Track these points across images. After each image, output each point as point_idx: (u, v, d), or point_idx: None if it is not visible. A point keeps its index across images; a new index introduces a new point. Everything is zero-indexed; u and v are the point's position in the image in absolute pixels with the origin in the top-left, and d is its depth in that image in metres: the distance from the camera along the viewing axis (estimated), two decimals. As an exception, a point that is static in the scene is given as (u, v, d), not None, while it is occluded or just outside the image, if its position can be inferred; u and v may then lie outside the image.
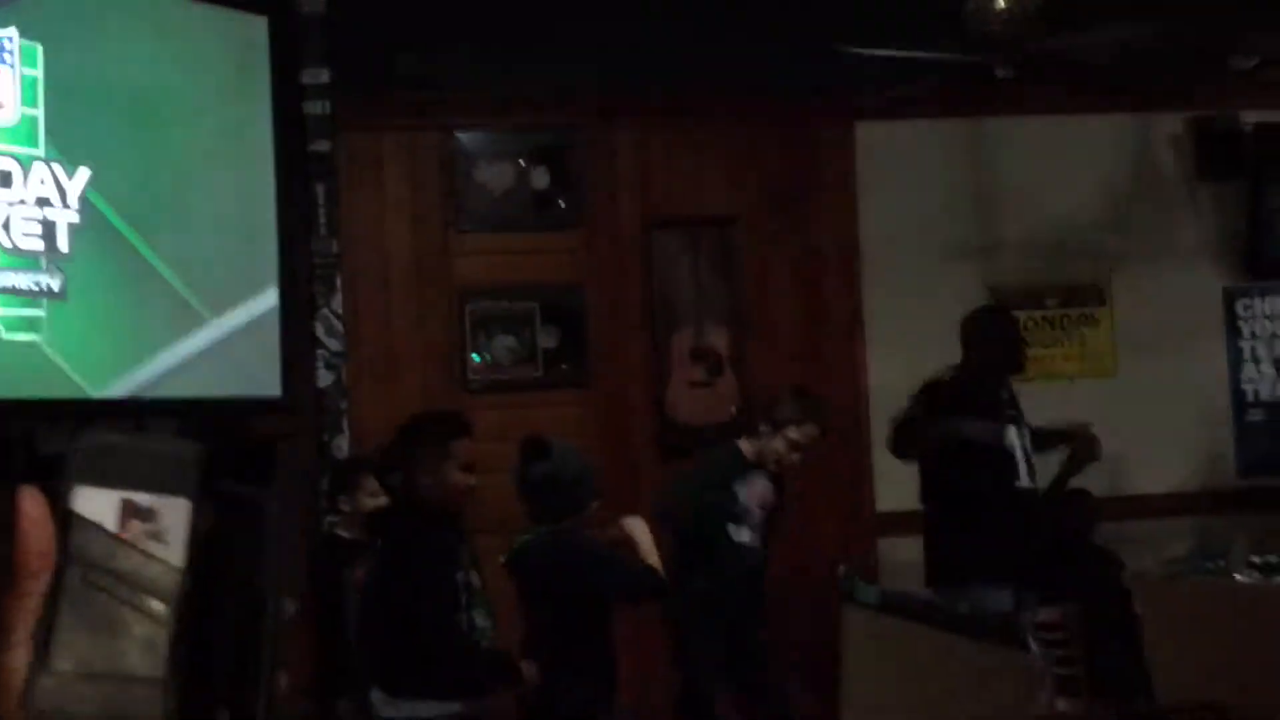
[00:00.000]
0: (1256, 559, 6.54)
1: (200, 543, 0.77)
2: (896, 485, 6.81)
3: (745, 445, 5.69)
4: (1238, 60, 6.70)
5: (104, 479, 0.76)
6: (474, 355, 6.67)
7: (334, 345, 5.91)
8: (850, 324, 6.93)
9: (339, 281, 5.91)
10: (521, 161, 6.79)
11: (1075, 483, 6.22)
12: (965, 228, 7.03)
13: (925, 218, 6.96)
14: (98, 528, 0.75)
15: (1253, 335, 7.23)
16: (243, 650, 0.79)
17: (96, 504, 0.75)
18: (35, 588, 0.74)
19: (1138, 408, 7.00)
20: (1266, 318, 7.23)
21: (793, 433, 5.60)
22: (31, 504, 0.75)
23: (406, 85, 6.51)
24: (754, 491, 5.61)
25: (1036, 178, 7.02)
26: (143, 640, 0.75)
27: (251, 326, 4.92)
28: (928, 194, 6.96)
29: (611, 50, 6.67)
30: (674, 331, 6.84)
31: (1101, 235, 7.12)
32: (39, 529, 0.74)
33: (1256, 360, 7.21)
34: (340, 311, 5.94)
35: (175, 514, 0.76)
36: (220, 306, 4.80)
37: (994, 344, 5.98)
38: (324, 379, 5.83)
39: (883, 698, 1.86)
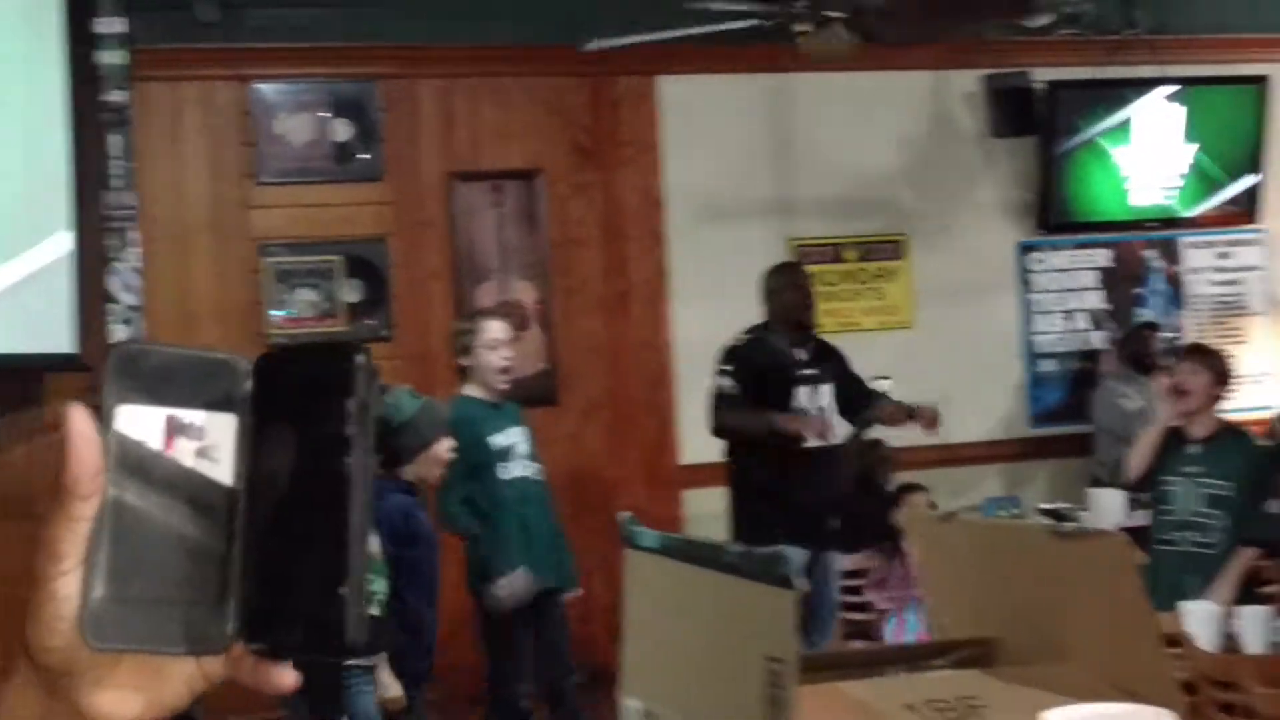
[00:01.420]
0: (1046, 505, 6.76)
1: (254, 458, 0.73)
2: (700, 438, 6.89)
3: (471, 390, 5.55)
4: (1031, 20, 6.85)
5: (148, 396, 0.71)
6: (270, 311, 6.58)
7: (129, 300, 5.78)
8: (655, 278, 6.97)
9: (135, 235, 5.79)
10: (322, 113, 6.70)
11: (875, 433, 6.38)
12: (767, 183, 7.12)
13: (728, 172, 7.03)
14: (142, 446, 0.71)
15: (1044, 287, 7.43)
16: (325, 571, 0.72)
17: (141, 423, 0.71)
18: (86, 511, 0.70)
19: (935, 359, 7.17)
20: (1057, 271, 7.43)
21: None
22: (81, 421, 0.69)
23: (205, 35, 6.38)
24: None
25: (836, 134, 7.13)
26: (192, 562, 0.72)
27: (39, 276, 4.79)
28: (730, 149, 7.03)
29: (415, 2, 6.62)
30: (479, 285, 6.82)
31: (900, 190, 7.26)
32: (90, 448, 0.69)
33: (1047, 312, 7.42)
34: (137, 265, 5.81)
35: (223, 430, 0.73)
36: (2, 256, 4.66)
37: (778, 301, 6.08)
38: (118, 334, 5.70)
39: (660, 637, 1.88)
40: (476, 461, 5.35)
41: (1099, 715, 1.54)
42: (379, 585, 4.31)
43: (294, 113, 6.68)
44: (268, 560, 0.73)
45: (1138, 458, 5.71)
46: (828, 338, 6.60)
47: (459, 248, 6.78)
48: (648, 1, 6.50)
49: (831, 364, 6.09)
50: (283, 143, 6.66)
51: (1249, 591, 5.60)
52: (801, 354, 6.04)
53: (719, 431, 5.99)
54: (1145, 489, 5.80)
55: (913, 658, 2.06)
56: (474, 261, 6.82)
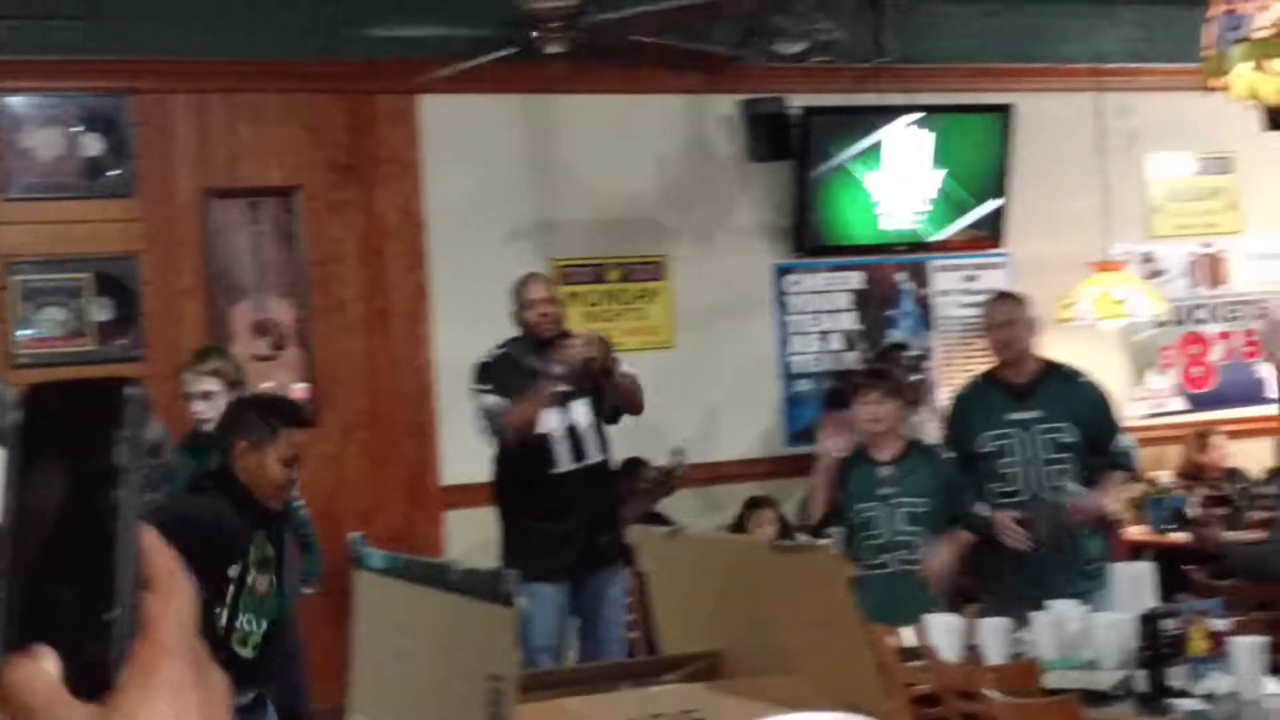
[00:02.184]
0: (796, 521, 6.89)
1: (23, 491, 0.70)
2: (462, 459, 6.88)
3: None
4: (784, 46, 7.02)
5: None
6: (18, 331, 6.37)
7: None
8: (416, 297, 6.94)
9: None
10: (72, 127, 6.52)
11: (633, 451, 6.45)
12: (529, 203, 7.14)
13: (489, 192, 7.03)
14: None
15: (800, 309, 7.59)
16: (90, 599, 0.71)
17: None
18: None
19: (696, 378, 7.27)
20: (812, 293, 7.60)
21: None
22: None
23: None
24: None
25: (597, 155, 7.19)
26: None
27: None
28: (492, 169, 7.03)
29: (169, 14, 6.49)
30: (234, 304, 6.71)
31: (660, 212, 7.35)
32: None
33: (802, 333, 7.58)
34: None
35: None
36: None
37: (520, 315, 6.11)
38: None
39: (387, 656, 1.88)
40: None
41: (805, 724, 1.58)
42: (248, 625, 4.22)
43: (42, 126, 6.50)
44: (33, 594, 0.71)
45: (819, 495, 5.85)
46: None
47: (214, 266, 6.66)
48: (406, 18, 6.50)
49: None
50: (30, 157, 6.47)
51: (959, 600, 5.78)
52: (556, 369, 6.03)
53: (503, 435, 5.98)
54: (834, 522, 5.94)
55: (641, 673, 2.09)
56: (229, 280, 6.70)
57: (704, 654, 2.08)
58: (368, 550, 1.97)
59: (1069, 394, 5.96)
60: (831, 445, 5.79)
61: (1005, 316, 5.99)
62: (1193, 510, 7.20)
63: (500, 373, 5.95)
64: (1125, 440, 6.06)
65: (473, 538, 6.58)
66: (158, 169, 6.58)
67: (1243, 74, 2.52)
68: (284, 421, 4.30)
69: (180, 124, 6.62)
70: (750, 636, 2.04)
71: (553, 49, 4.79)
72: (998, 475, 5.88)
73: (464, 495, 6.82)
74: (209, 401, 5.68)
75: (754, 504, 6.94)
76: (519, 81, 6.80)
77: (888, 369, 6.63)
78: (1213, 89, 2.74)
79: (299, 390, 6.73)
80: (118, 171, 6.55)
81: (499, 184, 7.06)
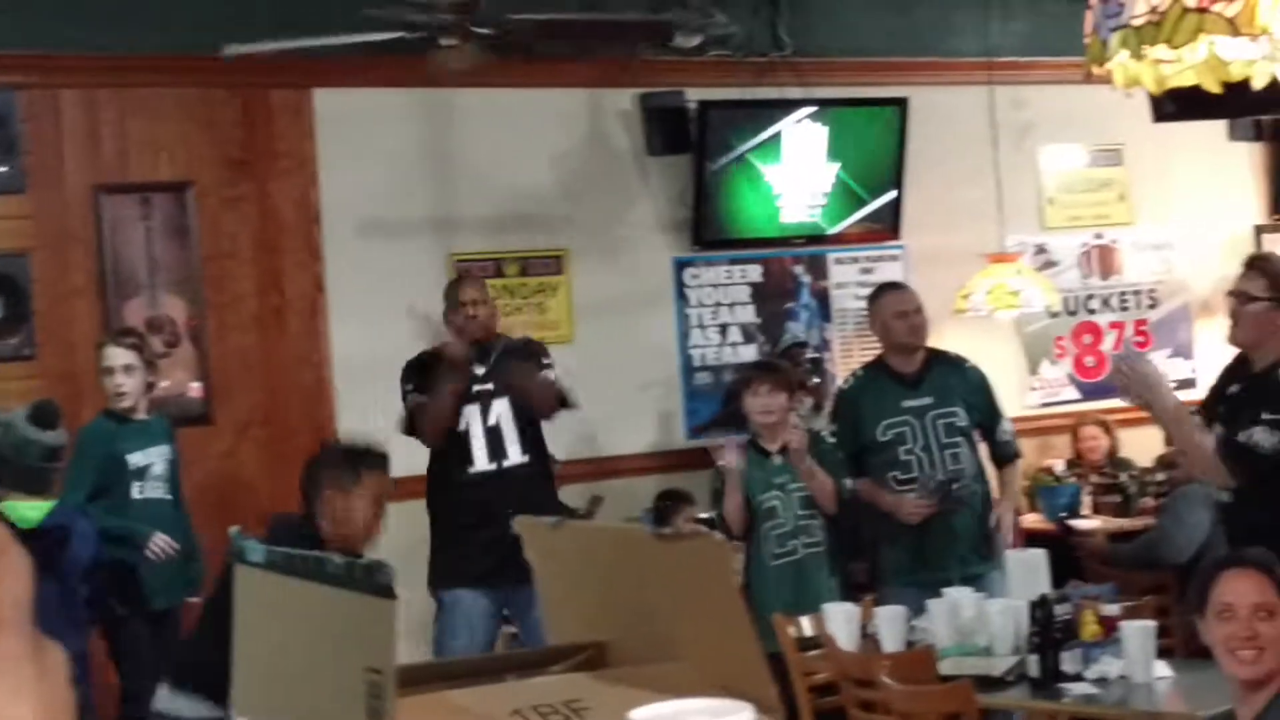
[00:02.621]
0: (703, 515, 6.90)
1: None
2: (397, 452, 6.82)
3: None
4: (681, 40, 7.02)
5: None
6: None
7: None
8: (312, 293, 6.88)
9: None
10: (-43, 123, 6.40)
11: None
12: (426, 197, 7.10)
13: (387, 187, 6.99)
14: None
15: (700, 302, 7.61)
16: None
17: None
18: None
19: (596, 373, 7.26)
20: (711, 286, 7.62)
21: None
22: None
23: None
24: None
25: (495, 150, 7.16)
26: None
27: None
28: (389, 163, 6.99)
29: (58, 8, 6.39)
30: (127, 301, 6.62)
31: (559, 206, 7.34)
32: None
33: (703, 326, 7.60)
34: None
35: None
36: None
37: (448, 317, 6.10)
38: None
39: (268, 651, 1.86)
40: (106, 480, 5.34)
41: (681, 711, 1.59)
42: None
43: (-75, 122, 6.37)
44: None
45: (737, 513, 5.90)
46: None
47: (106, 262, 6.56)
48: (298, 11, 6.44)
49: (508, 371, 6.06)
50: (-87, 153, 6.34)
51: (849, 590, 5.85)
52: (479, 368, 6.01)
53: (421, 435, 5.99)
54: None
55: (527, 665, 2.09)
56: (121, 276, 6.61)
57: (590, 644, 2.08)
58: (246, 544, 1.95)
59: (957, 379, 6.10)
60: (733, 459, 5.85)
61: (915, 304, 6.11)
62: (1076, 521, 7.31)
63: (425, 373, 5.94)
64: (1007, 424, 6.22)
65: (408, 530, 6.53)
66: (48, 165, 6.48)
67: (1123, 62, 2.55)
68: (368, 465, 4.31)
69: (70, 119, 6.52)
70: (636, 626, 2.04)
71: (448, 43, 4.76)
72: (898, 463, 5.96)
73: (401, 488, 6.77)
74: (129, 375, 5.71)
75: (669, 497, 6.94)
76: (415, 75, 6.75)
77: (777, 362, 6.71)
78: (1095, 78, 2.77)
79: (193, 388, 6.66)
80: (6, 168, 6.43)
81: (396, 178, 7.02)
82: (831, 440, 5.99)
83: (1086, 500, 7.61)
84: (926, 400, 6.00)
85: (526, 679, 1.97)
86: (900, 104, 7.70)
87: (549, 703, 1.81)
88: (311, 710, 1.78)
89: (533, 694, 1.84)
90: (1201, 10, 2.23)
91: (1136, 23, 2.34)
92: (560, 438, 6.60)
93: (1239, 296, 4.77)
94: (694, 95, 7.39)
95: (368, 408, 6.79)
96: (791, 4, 7.48)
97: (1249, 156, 8.75)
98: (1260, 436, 4.61)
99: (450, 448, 5.95)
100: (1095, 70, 2.63)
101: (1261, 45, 2.35)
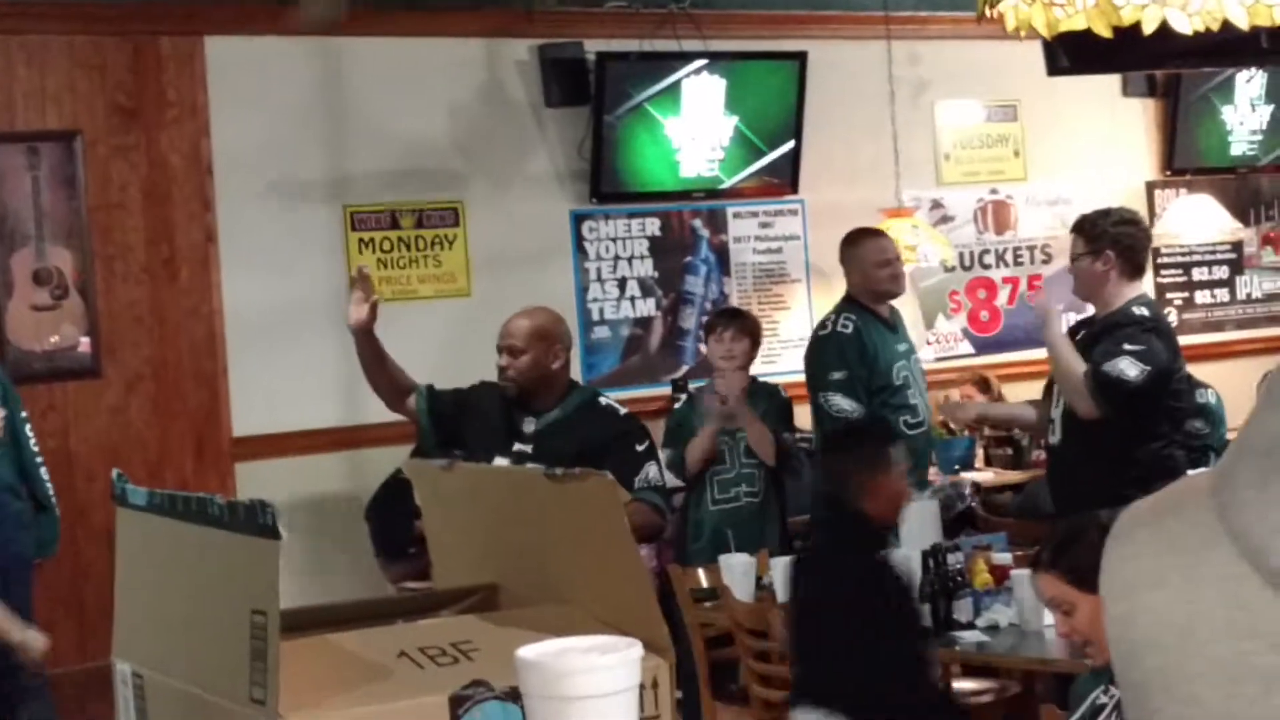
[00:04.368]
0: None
1: None
2: (253, 410, 6.76)
3: None
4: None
5: None
6: None
7: None
8: (204, 244, 6.77)
9: None
10: None
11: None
12: (320, 148, 7.00)
13: (280, 137, 6.88)
14: None
15: (598, 256, 7.58)
16: None
17: None
18: None
19: (493, 327, 7.15)
20: (610, 239, 7.59)
21: None
22: None
23: None
24: None
25: (390, 101, 7.07)
26: None
27: None
28: (282, 113, 6.88)
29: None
30: (14, 252, 6.48)
31: (456, 158, 7.26)
32: None
33: (601, 280, 7.58)
34: None
35: None
36: None
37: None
38: None
39: (150, 597, 1.82)
40: None
41: (571, 648, 1.57)
42: None
43: None
44: None
45: (701, 449, 6.01)
46: (387, 306, 6.57)
47: (-10, 212, 6.42)
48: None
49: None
50: None
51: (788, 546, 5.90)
52: (528, 423, 5.08)
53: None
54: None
55: (415, 609, 2.06)
56: (8, 228, 6.47)
57: (480, 587, 2.06)
58: (128, 487, 1.91)
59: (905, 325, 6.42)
60: (716, 401, 5.98)
61: (895, 251, 6.32)
62: (969, 473, 7.39)
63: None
64: None
65: (265, 490, 6.47)
66: (-72, 112, 6.33)
67: (1015, 4, 2.56)
68: (886, 441, 4.56)
69: (-47, 65, 6.36)
70: (527, 568, 2.02)
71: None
72: (908, 406, 6.11)
73: (256, 446, 6.71)
74: None
75: None
76: (309, 24, 6.66)
77: (741, 309, 6.78)
78: (988, 23, 2.77)
79: (82, 342, 6.54)
80: (-115, 115, 6.28)
81: (289, 128, 6.91)
82: (836, 382, 5.96)
83: (979, 454, 7.69)
84: (907, 345, 6.24)
85: (415, 622, 1.94)
86: (799, 58, 7.69)
87: (437, 645, 1.78)
88: (195, 653, 1.74)
89: (420, 636, 1.81)
90: (1093, -49, 2.23)
91: (1029, -36, 2.33)
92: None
93: (1073, 259, 5.25)
94: (592, 47, 7.34)
95: (259, 361, 6.72)
96: (690, -44, 7.45)
97: (1142, 113, 8.85)
98: (1125, 366, 4.91)
99: None
100: (988, 13, 2.63)
101: (1152, -12, 2.36)
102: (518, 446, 4.87)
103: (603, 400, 5.12)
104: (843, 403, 5.94)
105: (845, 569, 4.28)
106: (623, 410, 5.08)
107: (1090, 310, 5.43)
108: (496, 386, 5.06)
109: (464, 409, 5.13)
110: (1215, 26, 2.47)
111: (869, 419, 5.03)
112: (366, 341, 5.17)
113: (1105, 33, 2.53)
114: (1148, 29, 2.56)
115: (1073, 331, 5.42)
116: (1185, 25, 2.56)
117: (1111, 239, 5.18)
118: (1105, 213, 5.37)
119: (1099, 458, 4.99)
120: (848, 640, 4.11)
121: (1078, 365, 5.07)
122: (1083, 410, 5.04)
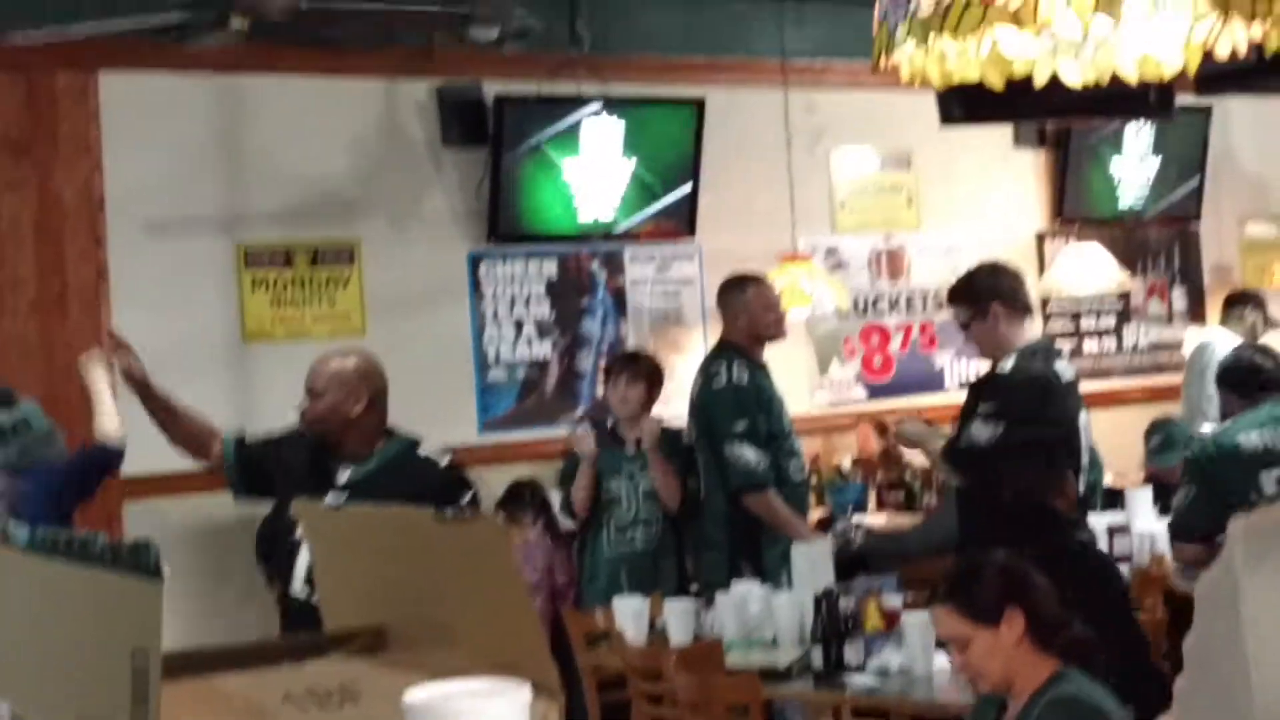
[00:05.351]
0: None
1: None
2: (141, 449, 6.64)
3: None
4: (479, 33, 6.98)
5: None
6: None
7: None
8: (95, 280, 6.68)
9: None
10: None
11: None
12: (215, 186, 6.94)
13: (174, 174, 6.82)
14: None
15: (495, 297, 7.57)
16: None
17: None
18: None
19: (388, 367, 7.14)
20: (506, 281, 7.59)
21: None
22: None
23: None
24: None
25: (286, 139, 7.03)
26: None
27: None
28: (177, 150, 6.82)
29: None
30: (-104, 286, 6.36)
31: (351, 198, 7.23)
32: None
33: (498, 321, 7.56)
34: None
35: None
36: None
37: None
38: None
39: (31, 635, 1.79)
40: None
41: (459, 691, 1.56)
42: None
43: None
44: None
45: (585, 494, 6.02)
46: (280, 346, 6.53)
47: (-126, 245, 6.29)
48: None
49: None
50: None
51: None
52: (342, 473, 4.99)
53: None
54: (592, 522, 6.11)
55: (302, 651, 2.04)
56: (-109, 260, 6.35)
57: (368, 629, 2.05)
58: (14, 525, 1.87)
59: None
60: (588, 444, 5.96)
61: (778, 296, 6.35)
62: (861, 516, 7.46)
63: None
64: None
65: (155, 529, 6.38)
66: None
67: (910, 54, 2.60)
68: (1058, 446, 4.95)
69: None
70: (416, 610, 2.01)
71: (238, 25, 4.65)
72: (795, 452, 6.16)
73: (144, 486, 6.60)
74: None
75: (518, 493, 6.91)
76: (206, 61, 6.61)
77: (639, 353, 6.78)
78: (882, 73, 2.81)
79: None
80: None
81: (184, 166, 6.85)
82: (740, 433, 5.97)
83: (872, 496, 7.76)
84: (779, 389, 6.26)
85: (301, 665, 1.92)
86: (697, 104, 7.75)
87: (323, 687, 1.77)
88: (75, 695, 1.71)
89: (306, 679, 1.80)
90: (986, 3, 2.27)
91: (923, 13, 2.37)
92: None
93: (965, 326, 5.32)
94: (491, 89, 7.34)
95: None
96: (590, 1, 7.48)
97: (1033, 163, 9.00)
98: (976, 430, 4.95)
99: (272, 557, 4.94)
100: (883, 63, 2.67)
101: (1044, 40, 2.40)
102: (331, 498, 4.57)
103: (422, 451, 4.88)
104: (749, 453, 5.98)
105: (1062, 555, 4.34)
106: (444, 461, 4.85)
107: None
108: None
109: (275, 457, 4.90)
110: (1105, 80, 2.53)
111: (1032, 434, 5.00)
112: (146, 394, 4.96)
113: (998, 84, 2.58)
114: (1039, 81, 2.60)
115: (971, 393, 5.50)
116: (1076, 77, 2.61)
117: (992, 292, 5.25)
118: (971, 275, 5.45)
119: (982, 506, 5.03)
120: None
121: (934, 453, 5.25)
122: (949, 478, 5.18)
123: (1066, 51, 2.51)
